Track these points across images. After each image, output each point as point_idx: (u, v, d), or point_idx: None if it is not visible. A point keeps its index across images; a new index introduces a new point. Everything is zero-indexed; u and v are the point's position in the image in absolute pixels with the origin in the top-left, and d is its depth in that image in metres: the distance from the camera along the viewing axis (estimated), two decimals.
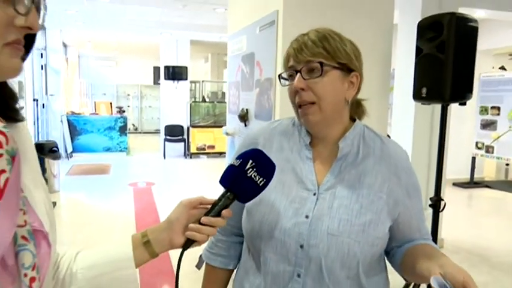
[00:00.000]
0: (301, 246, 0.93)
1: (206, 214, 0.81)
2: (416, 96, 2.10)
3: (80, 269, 0.76)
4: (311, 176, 0.98)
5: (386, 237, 0.98)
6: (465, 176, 6.86)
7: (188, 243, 0.80)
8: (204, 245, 0.96)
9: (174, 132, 9.44)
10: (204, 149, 9.30)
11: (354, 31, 2.23)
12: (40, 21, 0.60)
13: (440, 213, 2.30)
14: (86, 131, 9.14)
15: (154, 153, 9.63)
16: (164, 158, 9.13)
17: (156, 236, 0.80)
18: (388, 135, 6.19)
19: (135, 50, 12.59)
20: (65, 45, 10.06)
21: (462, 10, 3.50)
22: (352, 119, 1.05)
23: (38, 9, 0.60)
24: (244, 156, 0.84)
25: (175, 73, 9.25)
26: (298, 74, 0.94)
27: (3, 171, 0.56)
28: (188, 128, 9.39)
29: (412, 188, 1.01)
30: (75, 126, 9.04)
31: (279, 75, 1.02)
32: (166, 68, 9.24)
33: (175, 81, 9.33)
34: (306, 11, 2.22)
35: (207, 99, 10.57)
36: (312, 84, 0.93)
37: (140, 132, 14.19)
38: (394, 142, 1.07)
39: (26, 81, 6.80)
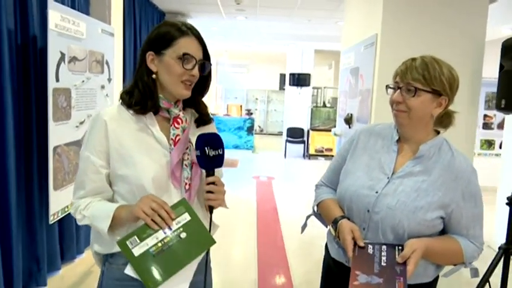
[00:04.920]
0: (368, 211, 1.31)
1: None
2: (497, 106, 2.40)
3: None
4: (391, 164, 1.34)
5: (433, 222, 1.27)
6: None
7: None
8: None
9: (295, 134, 10.17)
10: (322, 151, 9.85)
11: (444, 51, 2.61)
12: (204, 72, 1.26)
13: None
14: (220, 130, 10.43)
15: (276, 153, 10.50)
16: (285, 157, 9.94)
17: None
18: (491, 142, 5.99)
19: (264, 59, 13.77)
20: None
21: None
22: (437, 131, 1.36)
23: (203, 65, 1.25)
24: (200, 148, 1.18)
25: (299, 80, 9.95)
26: (398, 90, 1.29)
27: (178, 135, 1.25)
28: (308, 131, 10.02)
29: (468, 194, 1.29)
30: None
31: (387, 86, 1.35)
32: (291, 75, 10.01)
33: (299, 87, 10.06)
34: (400, 35, 2.67)
35: (328, 105, 11.08)
36: (406, 100, 1.27)
37: (265, 134, 15.25)
38: (463, 157, 1.33)
39: None
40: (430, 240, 1.27)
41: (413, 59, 1.30)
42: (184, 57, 1.21)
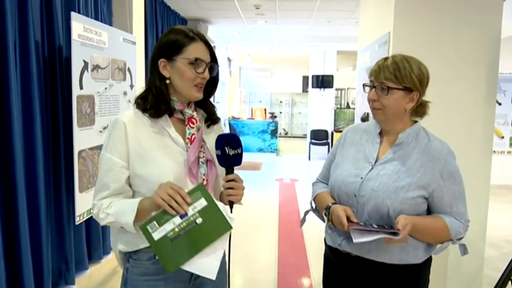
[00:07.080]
0: (355, 195, 1.44)
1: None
2: None
3: None
4: (374, 154, 1.47)
5: (415, 200, 1.37)
6: None
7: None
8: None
9: (319, 136, 10.16)
10: None
11: (458, 48, 2.59)
12: (213, 74, 1.34)
13: None
14: (243, 133, 10.56)
15: (300, 155, 10.51)
16: (309, 159, 9.93)
17: None
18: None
19: (287, 61, 13.80)
20: (229, 60, 11.71)
21: None
22: (414, 121, 1.47)
23: (211, 67, 1.33)
24: (220, 148, 1.27)
25: (322, 81, 9.96)
26: (373, 89, 1.40)
27: (193, 134, 1.32)
28: (332, 133, 9.99)
29: (446, 173, 1.39)
30: (235, 129, 10.53)
31: (364, 84, 1.46)
32: (315, 77, 10.03)
33: (322, 89, 10.06)
34: (413, 33, 2.66)
35: (352, 106, 11.01)
36: (381, 98, 1.38)
37: (290, 137, 15.27)
38: (439, 141, 1.45)
39: None
40: (416, 217, 1.37)
41: (386, 59, 1.40)
42: (195, 62, 1.28)
